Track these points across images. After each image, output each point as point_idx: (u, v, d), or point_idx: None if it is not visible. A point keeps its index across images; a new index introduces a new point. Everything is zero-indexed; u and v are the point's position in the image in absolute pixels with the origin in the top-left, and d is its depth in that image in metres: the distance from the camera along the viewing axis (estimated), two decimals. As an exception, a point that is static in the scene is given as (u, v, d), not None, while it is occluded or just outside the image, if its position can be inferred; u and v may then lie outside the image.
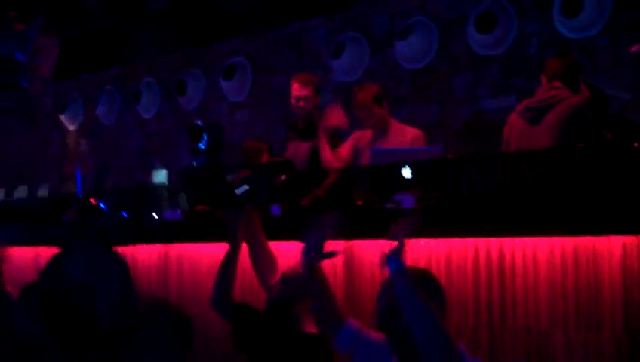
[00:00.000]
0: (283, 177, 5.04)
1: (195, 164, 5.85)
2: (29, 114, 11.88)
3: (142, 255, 5.45)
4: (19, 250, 6.10)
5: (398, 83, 7.82)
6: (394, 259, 2.89)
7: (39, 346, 3.12)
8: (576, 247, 3.52)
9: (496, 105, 7.20)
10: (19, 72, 10.62)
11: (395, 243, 2.93)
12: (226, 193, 4.99)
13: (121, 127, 10.66)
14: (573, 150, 4.47)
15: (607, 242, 3.43)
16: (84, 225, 5.93)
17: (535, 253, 3.64)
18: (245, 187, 4.72)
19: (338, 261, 4.35)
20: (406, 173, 4.38)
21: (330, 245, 3.37)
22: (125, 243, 5.29)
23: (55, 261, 2.39)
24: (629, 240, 3.37)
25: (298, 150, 6.12)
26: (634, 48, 5.61)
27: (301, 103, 6.04)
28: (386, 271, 2.93)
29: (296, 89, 6.05)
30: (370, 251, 4.22)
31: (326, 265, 4.23)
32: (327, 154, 5.76)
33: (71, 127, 11.29)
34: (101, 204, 6.03)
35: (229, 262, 3.94)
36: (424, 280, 3.00)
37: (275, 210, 4.71)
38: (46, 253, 5.40)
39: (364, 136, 5.79)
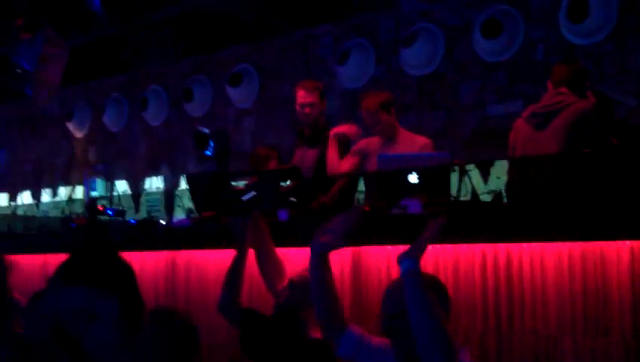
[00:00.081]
0: (289, 183, 5.06)
1: (202, 171, 5.86)
2: (36, 122, 11.92)
3: (149, 261, 5.46)
4: (27, 257, 6.12)
5: (404, 90, 7.83)
6: (410, 258, 2.87)
7: (48, 353, 3.13)
8: (583, 252, 3.52)
9: (502, 111, 7.20)
10: (25, 80, 10.65)
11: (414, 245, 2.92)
12: (232, 199, 5.00)
13: (128, 134, 10.68)
14: (579, 156, 4.47)
15: (614, 247, 3.43)
16: (92, 231, 5.95)
17: (543, 258, 3.64)
18: (252, 193, 4.73)
19: (346, 267, 4.37)
20: (413, 179, 4.38)
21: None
22: (132, 250, 5.30)
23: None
24: (637, 244, 3.37)
25: (304, 157, 6.12)
26: None
27: (306, 110, 6.04)
28: (398, 271, 2.92)
29: (302, 96, 6.05)
30: (378, 257, 4.23)
31: (334, 270, 4.24)
32: (334, 160, 5.77)
33: (78, 135, 11.32)
34: (109, 211, 6.05)
35: (237, 267, 3.94)
36: (431, 286, 3.00)
37: (283, 215, 4.72)
38: (54, 260, 5.41)
39: (371, 142, 5.80)
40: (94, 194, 6.73)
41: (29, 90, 10.51)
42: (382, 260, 4.22)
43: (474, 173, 5.46)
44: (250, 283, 4.30)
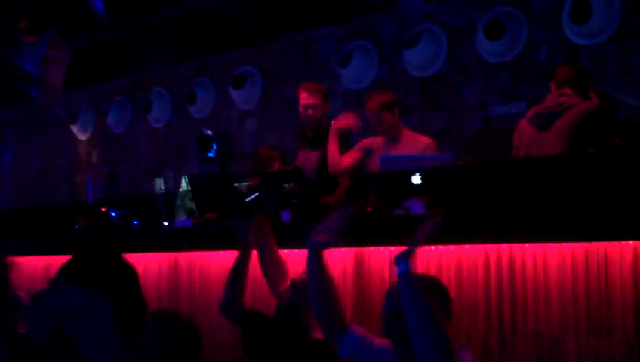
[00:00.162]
0: (292, 185, 5.06)
1: (204, 172, 5.87)
2: (39, 124, 11.93)
3: (152, 263, 5.46)
4: (30, 259, 6.12)
5: (407, 91, 7.82)
6: (402, 261, 2.87)
7: (48, 353, 3.13)
8: (587, 252, 3.51)
9: (505, 112, 7.20)
10: (29, 83, 10.68)
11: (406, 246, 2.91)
12: (235, 201, 5.00)
13: (131, 136, 10.69)
14: (583, 156, 4.46)
15: (618, 247, 3.42)
16: (96, 233, 5.95)
17: (546, 259, 3.63)
18: (255, 194, 4.73)
19: (348, 267, 4.36)
20: (416, 180, 4.38)
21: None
22: (135, 251, 5.30)
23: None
24: (640, 245, 3.36)
25: (307, 158, 6.13)
26: None
27: (309, 112, 6.04)
28: (395, 274, 2.93)
29: (304, 97, 6.05)
30: (380, 258, 4.22)
31: (336, 271, 4.24)
32: (334, 155, 5.75)
33: (82, 137, 11.34)
34: (112, 213, 6.05)
35: (239, 268, 3.95)
36: (432, 287, 2.99)
37: (285, 216, 4.72)
38: (57, 261, 5.41)
39: (374, 141, 5.80)
40: (98, 196, 6.74)
41: (33, 93, 10.54)
42: (384, 261, 4.22)
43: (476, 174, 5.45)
44: (252, 284, 4.30)
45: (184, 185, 5.66)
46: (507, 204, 3.86)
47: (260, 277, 4.14)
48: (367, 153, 5.76)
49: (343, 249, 4.34)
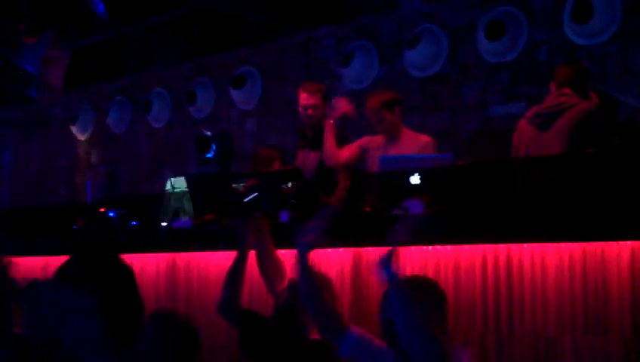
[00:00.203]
0: (291, 185, 5.05)
1: (203, 172, 5.86)
2: (39, 125, 11.94)
3: (150, 263, 5.45)
4: (28, 259, 6.11)
5: (408, 91, 7.81)
6: (387, 266, 2.84)
7: (48, 353, 3.12)
8: (584, 252, 3.50)
9: (505, 112, 7.19)
10: (29, 83, 10.68)
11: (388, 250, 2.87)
12: (234, 201, 4.99)
13: (131, 136, 10.69)
14: (582, 156, 4.45)
15: (615, 247, 3.41)
16: (94, 234, 5.94)
17: (543, 259, 3.62)
18: (253, 195, 4.72)
19: (346, 268, 4.35)
20: (415, 180, 4.37)
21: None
22: (134, 252, 5.29)
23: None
24: (638, 245, 3.35)
25: (307, 159, 6.12)
26: None
27: (309, 112, 6.03)
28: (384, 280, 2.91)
29: (304, 98, 6.04)
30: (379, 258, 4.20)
31: (334, 271, 4.24)
32: (332, 148, 5.73)
33: (81, 137, 11.34)
34: (110, 213, 6.05)
35: (237, 268, 3.95)
36: (424, 288, 2.98)
37: (284, 217, 4.71)
38: (55, 262, 5.41)
39: (374, 140, 5.79)
40: (97, 196, 6.74)
41: (33, 93, 10.55)
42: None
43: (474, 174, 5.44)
44: (250, 284, 4.29)
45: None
46: (505, 204, 3.85)
47: (258, 277, 4.14)
48: (365, 151, 5.75)
49: (341, 249, 4.33)
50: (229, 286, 3.92)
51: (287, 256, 4.18)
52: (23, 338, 3.66)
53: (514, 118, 5.82)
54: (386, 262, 2.84)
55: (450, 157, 4.91)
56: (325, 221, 3.27)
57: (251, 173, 5.77)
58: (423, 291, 2.90)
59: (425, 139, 5.71)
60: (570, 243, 3.53)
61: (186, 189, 5.44)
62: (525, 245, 3.67)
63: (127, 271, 2.47)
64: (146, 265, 5.43)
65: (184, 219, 5.43)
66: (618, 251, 3.39)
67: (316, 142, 6.02)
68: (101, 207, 6.13)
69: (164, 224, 5.50)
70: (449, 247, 3.94)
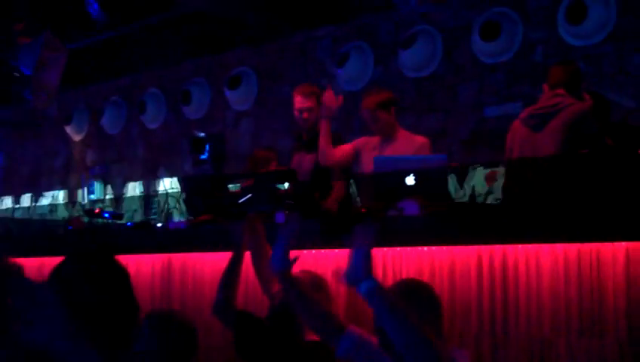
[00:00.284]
0: (287, 186, 5.05)
1: (197, 173, 5.86)
2: (34, 125, 11.92)
3: (145, 264, 5.45)
4: (23, 260, 6.10)
5: (403, 92, 7.82)
6: (361, 280, 2.63)
7: (47, 353, 3.12)
8: (579, 254, 3.50)
9: (501, 113, 7.19)
10: (24, 84, 10.66)
11: (352, 260, 2.66)
12: (228, 202, 4.99)
13: (126, 136, 10.68)
14: (576, 157, 4.46)
15: (610, 248, 3.41)
16: (89, 235, 5.94)
17: (538, 260, 3.62)
18: (248, 196, 4.72)
19: (342, 269, 4.34)
20: (409, 180, 4.37)
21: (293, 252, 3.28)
22: (129, 252, 5.29)
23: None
24: (633, 246, 3.35)
25: (302, 161, 6.12)
26: None
27: (304, 115, 6.03)
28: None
29: (299, 101, 6.03)
30: (374, 259, 4.20)
31: (329, 272, 4.23)
32: (325, 146, 5.71)
33: (76, 138, 11.32)
34: (105, 214, 6.05)
35: (232, 269, 3.94)
36: (418, 292, 2.97)
37: (279, 218, 4.70)
38: (51, 262, 5.40)
39: (370, 141, 5.79)
40: (92, 196, 6.74)
41: (28, 94, 10.53)
42: (377, 262, 4.20)
43: (474, 174, 5.45)
44: (245, 285, 4.29)
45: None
46: (500, 205, 3.85)
47: (253, 278, 4.13)
48: (359, 152, 5.75)
49: (337, 250, 4.33)
50: (224, 287, 3.91)
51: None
52: (30, 349, 3.64)
53: (509, 119, 5.83)
54: (359, 277, 2.63)
55: (444, 158, 4.92)
56: (291, 238, 3.22)
57: (246, 174, 5.78)
58: (416, 295, 2.89)
59: (421, 140, 5.71)
60: (565, 245, 3.53)
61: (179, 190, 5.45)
62: (520, 246, 3.66)
63: (123, 272, 2.47)
64: (141, 265, 5.42)
65: (179, 220, 5.43)
66: (613, 252, 3.39)
67: (312, 145, 6.02)
68: (96, 208, 6.13)
69: (159, 225, 5.51)
70: (444, 248, 3.94)
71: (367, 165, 5.52)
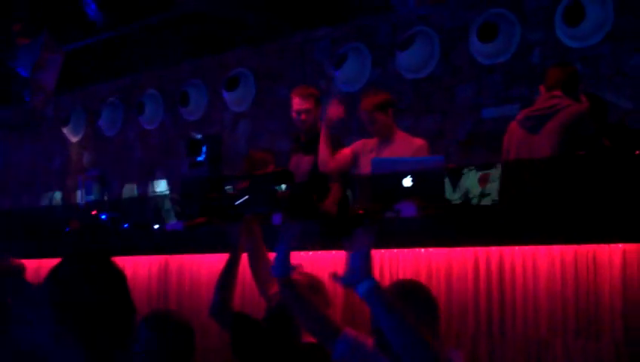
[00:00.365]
0: (284, 188, 5.04)
1: (194, 175, 5.86)
2: (31, 127, 11.91)
3: (142, 266, 5.44)
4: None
5: (400, 93, 7.81)
6: (360, 281, 2.67)
7: (47, 353, 3.11)
8: (576, 255, 3.50)
9: (498, 114, 7.19)
10: (21, 86, 10.65)
11: (350, 262, 2.69)
12: (225, 204, 4.99)
13: (123, 138, 10.67)
14: (572, 159, 4.46)
15: (607, 250, 3.41)
16: (86, 236, 5.93)
17: (535, 262, 3.62)
18: (244, 197, 4.72)
19: (339, 270, 4.34)
20: (407, 182, 4.37)
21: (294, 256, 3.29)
22: (126, 254, 5.28)
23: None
24: (629, 247, 3.35)
25: (300, 162, 6.12)
26: None
27: (302, 117, 6.03)
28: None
29: (297, 103, 6.04)
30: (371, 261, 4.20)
31: (327, 274, 4.22)
32: (324, 154, 5.72)
33: (73, 139, 11.31)
34: (102, 216, 6.04)
35: (229, 271, 3.94)
36: (414, 293, 2.96)
37: (277, 219, 4.70)
38: (48, 264, 5.39)
39: (368, 143, 5.79)
40: (89, 198, 6.73)
41: (26, 95, 10.52)
42: (374, 264, 4.19)
43: (468, 176, 5.45)
44: (242, 287, 4.29)
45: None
46: (497, 207, 3.85)
47: (250, 280, 4.13)
48: (357, 155, 5.75)
49: (334, 251, 4.33)
50: (221, 288, 3.91)
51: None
52: (26, 351, 3.64)
53: (507, 120, 5.83)
54: (359, 277, 2.67)
55: (441, 160, 4.92)
56: (291, 244, 3.24)
57: (242, 176, 5.77)
58: (413, 296, 2.88)
59: (419, 142, 5.70)
60: (561, 246, 3.53)
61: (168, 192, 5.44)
62: (517, 248, 3.67)
63: (119, 274, 2.47)
64: (138, 267, 5.43)
65: (176, 222, 5.43)
66: (610, 254, 3.39)
67: (310, 147, 6.02)
68: (93, 210, 6.12)
69: (156, 226, 5.50)
70: (441, 250, 3.93)
71: (365, 167, 5.52)
